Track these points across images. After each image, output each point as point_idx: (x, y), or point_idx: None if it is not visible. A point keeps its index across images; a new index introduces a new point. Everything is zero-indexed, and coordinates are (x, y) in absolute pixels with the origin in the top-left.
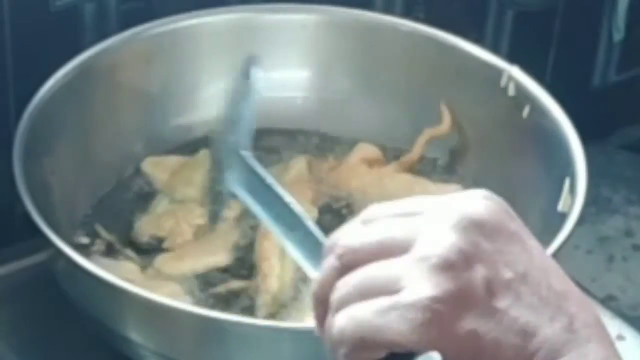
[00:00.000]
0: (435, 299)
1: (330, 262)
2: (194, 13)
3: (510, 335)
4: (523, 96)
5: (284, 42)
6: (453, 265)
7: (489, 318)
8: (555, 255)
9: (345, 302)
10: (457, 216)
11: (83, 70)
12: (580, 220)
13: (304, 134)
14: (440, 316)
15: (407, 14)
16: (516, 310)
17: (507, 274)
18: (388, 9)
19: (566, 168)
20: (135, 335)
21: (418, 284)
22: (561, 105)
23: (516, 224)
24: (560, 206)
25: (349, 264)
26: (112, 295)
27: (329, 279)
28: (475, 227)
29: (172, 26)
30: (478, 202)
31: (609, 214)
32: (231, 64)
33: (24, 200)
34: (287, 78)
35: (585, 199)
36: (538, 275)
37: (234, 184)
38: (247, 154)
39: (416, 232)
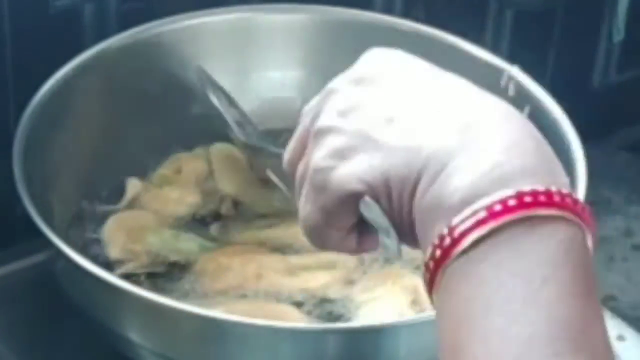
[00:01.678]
0: (324, 158)
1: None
2: (194, 13)
3: (398, 155)
4: (523, 96)
5: (284, 42)
6: (330, 128)
7: (377, 152)
8: None
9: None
10: (336, 83)
11: (83, 70)
12: None
13: None
14: (332, 170)
15: (407, 14)
16: (402, 136)
17: (389, 112)
18: (388, 9)
19: (566, 168)
20: (135, 335)
21: (313, 155)
22: (561, 105)
23: (402, 67)
24: None
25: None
26: (112, 295)
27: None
28: (352, 84)
29: (172, 26)
30: (364, 60)
31: (609, 214)
32: (231, 64)
33: (24, 200)
34: (287, 78)
35: (585, 199)
36: (425, 106)
37: None
38: None
39: (317, 110)
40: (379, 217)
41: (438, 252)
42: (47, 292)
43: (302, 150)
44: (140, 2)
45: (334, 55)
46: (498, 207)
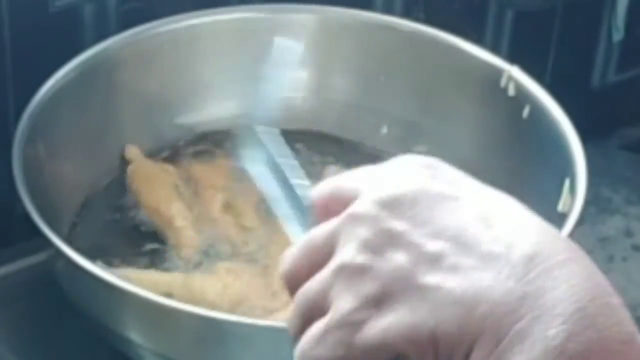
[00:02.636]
0: (356, 310)
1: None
2: (194, 13)
3: (448, 311)
4: (523, 96)
5: None
6: (361, 268)
7: (422, 301)
8: None
9: (297, 335)
10: (364, 206)
11: (83, 70)
12: (580, 220)
13: (303, 134)
14: (365, 324)
15: (407, 14)
16: (451, 280)
17: (433, 246)
18: (388, 9)
19: (566, 168)
20: (135, 335)
21: (340, 298)
22: (561, 105)
23: (441, 183)
24: (560, 206)
25: (294, 288)
26: (112, 295)
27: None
28: (385, 209)
29: (172, 26)
30: (390, 179)
31: (609, 214)
32: (231, 64)
33: (24, 200)
34: (287, 78)
35: (585, 199)
36: (476, 230)
37: (246, 159)
38: (263, 129)
39: (335, 232)
40: None
41: None
42: (47, 292)
43: (309, 266)
44: (140, 2)
45: (334, 55)
46: None
